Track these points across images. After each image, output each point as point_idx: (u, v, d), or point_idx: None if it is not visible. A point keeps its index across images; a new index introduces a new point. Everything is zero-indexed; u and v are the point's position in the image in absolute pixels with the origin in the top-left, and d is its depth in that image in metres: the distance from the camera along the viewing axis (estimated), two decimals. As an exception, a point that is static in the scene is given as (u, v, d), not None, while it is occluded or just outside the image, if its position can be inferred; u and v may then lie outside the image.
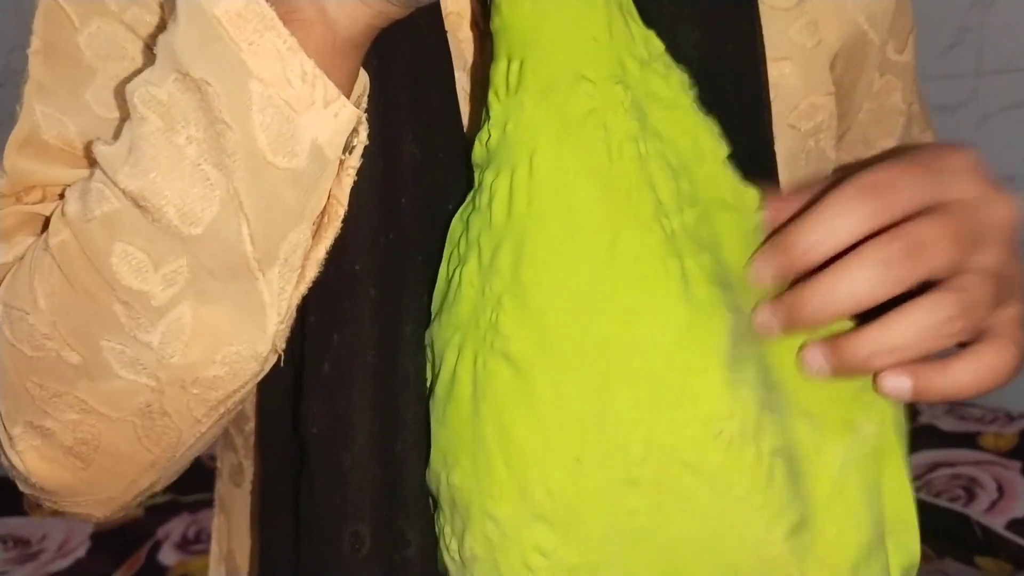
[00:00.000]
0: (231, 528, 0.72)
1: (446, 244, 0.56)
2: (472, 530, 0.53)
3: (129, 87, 0.52)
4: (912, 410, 1.28)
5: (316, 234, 0.53)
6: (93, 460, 0.56)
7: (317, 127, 0.50)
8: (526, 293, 0.52)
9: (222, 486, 0.73)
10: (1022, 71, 2.26)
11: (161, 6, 0.61)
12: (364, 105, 0.54)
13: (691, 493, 0.51)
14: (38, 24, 0.61)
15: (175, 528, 2.07)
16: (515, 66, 0.54)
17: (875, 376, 0.53)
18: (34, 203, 0.60)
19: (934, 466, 2.05)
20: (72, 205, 0.53)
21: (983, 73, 2.28)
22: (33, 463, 0.57)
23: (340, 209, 0.53)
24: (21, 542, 2.07)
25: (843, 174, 0.53)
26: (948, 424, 2.17)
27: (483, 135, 0.54)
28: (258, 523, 0.65)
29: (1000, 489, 2.04)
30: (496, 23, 0.55)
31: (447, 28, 0.59)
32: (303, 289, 0.54)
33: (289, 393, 0.58)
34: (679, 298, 0.52)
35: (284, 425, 0.60)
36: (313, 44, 0.50)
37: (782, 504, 0.52)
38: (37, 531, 2.09)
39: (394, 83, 0.56)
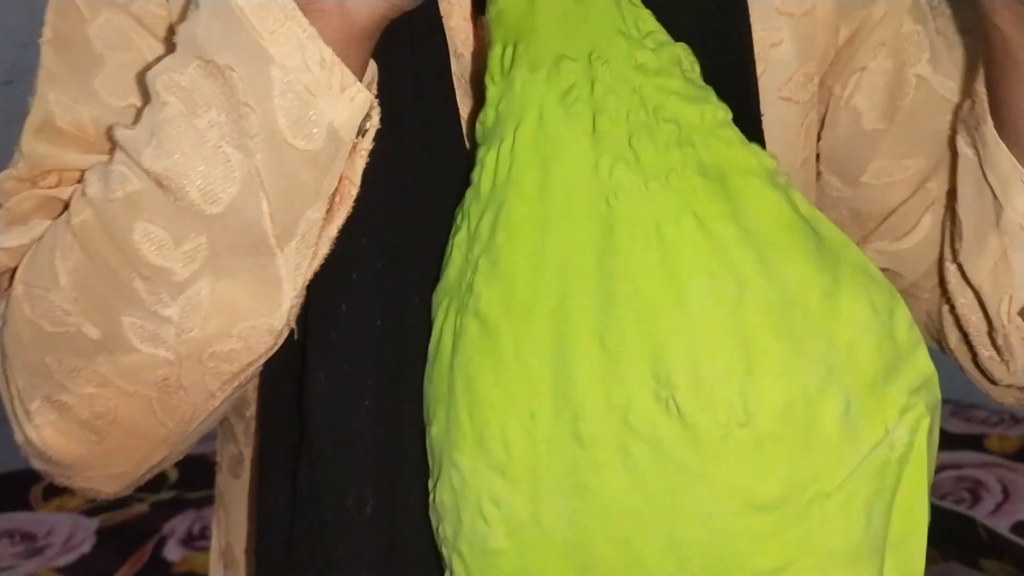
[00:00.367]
0: (229, 521, 0.73)
1: (453, 220, 0.58)
2: (442, 479, 0.56)
3: (150, 74, 0.55)
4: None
5: (329, 213, 0.56)
6: (108, 434, 0.58)
7: (334, 111, 0.54)
8: (498, 254, 0.55)
9: (221, 479, 0.74)
10: None
11: None
12: (375, 90, 0.57)
13: (634, 457, 0.52)
14: (50, 15, 0.63)
15: (180, 524, 2.08)
16: (508, 51, 0.58)
17: None
18: (50, 187, 0.62)
19: (939, 468, 2.04)
20: (93, 186, 0.56)
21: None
22: (49, 437, 0.58)
23: (353, 189, 0.56)
24: (27, 537, 2.07)
25: None
26: (954, 426, 2.16)
27: (481, 116, 0.58)
28: (256, 497, 0.66)
29: (1005, 492, 2.04)
30: (492, 12, 0.59)
31: (441, 14, 0.62)
32: (316, 265, 0.57)
33: (289, 367, 0.60)
34: (653, 264, 0.53)
35: (284, 400, 0.61)
36: (331, 33, 0.53)
37: (744, 479, 0.52)
38: (43, 526, 2.10)
39: (396, 68, 0.59)
